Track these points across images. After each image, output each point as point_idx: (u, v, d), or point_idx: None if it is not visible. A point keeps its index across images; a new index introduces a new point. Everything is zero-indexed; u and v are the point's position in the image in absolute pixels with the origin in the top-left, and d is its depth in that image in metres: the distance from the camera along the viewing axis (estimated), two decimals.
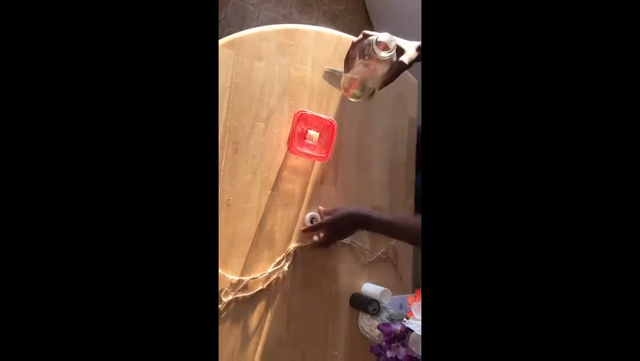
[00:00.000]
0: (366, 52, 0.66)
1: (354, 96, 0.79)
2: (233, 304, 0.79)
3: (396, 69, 0.69)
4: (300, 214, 0.86)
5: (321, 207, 0.86)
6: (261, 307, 0.81)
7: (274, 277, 0.82)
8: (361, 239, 0.90)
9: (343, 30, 0.99)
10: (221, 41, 0.85)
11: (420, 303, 0.67)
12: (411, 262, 0.95)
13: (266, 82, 0.87)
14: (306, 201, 0.87)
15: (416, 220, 0.72)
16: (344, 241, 0.88)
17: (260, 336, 0.80)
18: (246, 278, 0.80)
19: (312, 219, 0.85)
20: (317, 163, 0.88)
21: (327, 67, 0.92)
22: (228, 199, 0.81)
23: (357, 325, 0.86)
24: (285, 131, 0.87)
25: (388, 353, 0.68)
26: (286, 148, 0.86)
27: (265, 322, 0.81)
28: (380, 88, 0.72)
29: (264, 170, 0.85)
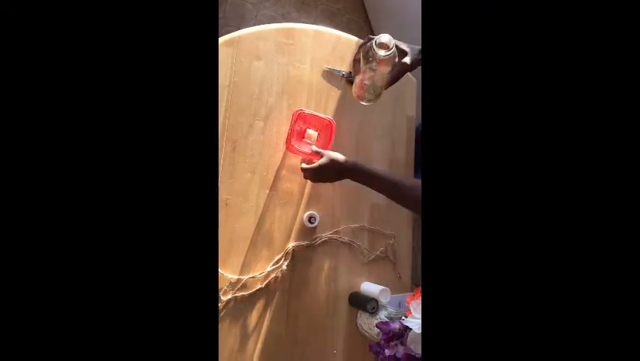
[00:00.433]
0: (370, 54, 0.69)
1: (367, 100, 0.80)
2: (232, 303, 0.79)
3: (399, 70, 0.73)
4: (299, 213, 0.86)
5: (313, 148, 0.81)
6: (259, 306, 0.81)
7: (273, 275, 0.82)
8: (360, 238, 0.90)
9: (342, 29, 0.99)
10: (219, 40, 0.85)
11: (418, 302, 0.67)
12: (410, 261, 0.95)
13: (264, 81, 0.87)
14: (304, 200, 0.87)
15: (412, 182, 0.70)
16: (343, 240, 0.88)
17: (259, 335, 0.80)
18: (245, 277, 0.80)
19: (310, 218, 0.85)
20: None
21: (326, 66, 0.92)
22: (227, 198, 0.81)
23: (356, 323, 0.87)
24: (284, 130, 0.87)
25: (387, 352, 0.68)
26: (284, 147, 0.86)
27: (264, 320, 0.81)
28: (386, 88, 0.76)
29: (262, 169, 0.85)
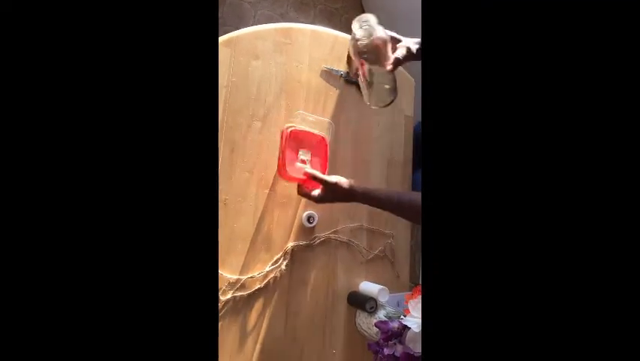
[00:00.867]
0: (354, 40, 0.66)
1: (382, 100, 0.72)
2: (231, 303, 0.79)
3: (402, 53, 0.69)
4: (298, 213, 0.87)
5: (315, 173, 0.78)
6: (259, 305, 0.81)
7: (272, 275, 0.82)
8: (359, 238, 0.90)
9: (340, 29, 0.99)
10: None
11: (417, 301, 0.67)
12: (408, 260, 0.95)
13: (263, 81, 0.87)
14: (303, 200, 0.87)
15: (410, 196, 0.70)
16: (342, 240, 0.88)
17: (258, 335, 0.80)
18: (244, 277, 0.80)
19: (309, 217, 0.85)
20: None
21: (324, 65, 0.93)
22: (225, 198, 0.81)
23: (355, 323, 0.87)
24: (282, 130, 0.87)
25: (386, 351, 0.68)
26: (277, 173, 0.81)
27: (263, 320, 0.81)
28: (393, 69, 0.69)
29: (260, 169, 0.85)
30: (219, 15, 1.58)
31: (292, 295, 0.84)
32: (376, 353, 0.72)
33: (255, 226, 0.83)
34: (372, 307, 0.80)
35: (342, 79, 0.94)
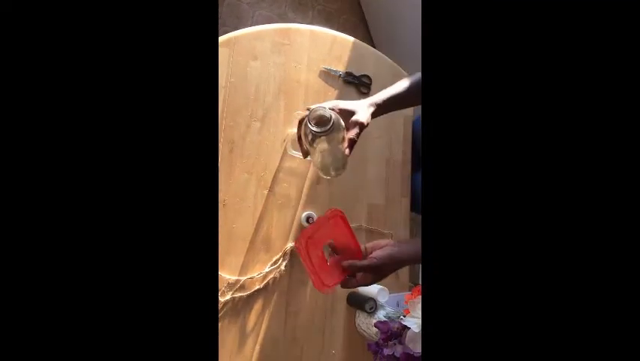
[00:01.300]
0: (308, 132, 0.59)
1: (334, 174, 0.71)
2: (230, 304, 0.79)
3: (355, 132, 0.64)
4: (297, 213, 0.86)
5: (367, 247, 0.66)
6: (258, 306, 0.81)
7: (271, 276, 0.82)
8: (358, 238, 0.90)
9: (338, 29, 0.99)
10: None
11: (416, 301, 0.67)
12: None
13: (261, 81, 0.87)
14: (302, 201, 0.87)
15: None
16: None
17: (257, 335, 0.80)
18: (243, 278, 0.80)
19: (308, 218, 0.85)
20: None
21: (323, 66, 0.93)
22: (224, 199, 0.81)
23: (355, 323, 0.87)
24: (281, 130, 0.87)
25: (385, 351, 0.68)
26: (316, 287, 0.63)
27: (263, 321, 0.81)
28: (349, 153, 0.65)
29: (259, 170, 0.85)
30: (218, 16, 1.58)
31: (292, 296, 0.84)
32: (376, 353, 0.72)
33: (254, 226, 0.83)
34: (371, 308, 0.80)
35: (340, 79, 0.94)
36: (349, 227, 0.64)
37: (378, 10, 1.69)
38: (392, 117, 0.98)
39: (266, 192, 0.85)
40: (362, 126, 0.65)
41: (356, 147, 0.92)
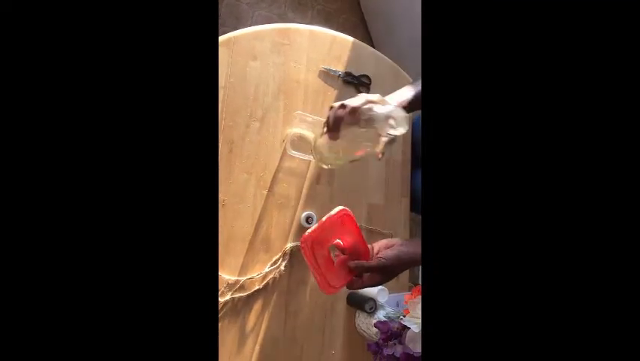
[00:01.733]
0: (369, 121, 0.59)
1: (333, 164, 0.71)
2: (230, 304, 0.79)
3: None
4: (296, 214, 0.86)
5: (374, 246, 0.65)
6: (257, 306, 0.81)
7: (271, 276, 0.82)
8: None
9: (337, 29, 0.99)
10: None
11: (416, 301, 0.67)
12: None
13: (261, 81, 0.87)
14: (302, 201, 0.87)
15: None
16: None
17: (257, 336, 0.80)
18: (243, 278, 0.80)
19: (307, 218, 0.85)
20: (313, 163, 0.88)
21: (322, 66, 0.92)
22: (224, 199, 0.81)
23: (354, 323, 0.87)
24: (280, 130, 0.87)
25: (385, 351, 0.68)
26: (321, 290, 0.61)
27: (262, 321, 0.81)
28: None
29: (259, 170, 0.85)
30: None
31: (291, 296, 0.84)
32: (376, 353, 0.72)
33: (254, 226, 0.83)
34: (371, 308, 0.80)
35: (340, 79, 0.94)
36: (357, 226, 0.62)
37: (377, 10, 1.69)
38: None
39: (265, 192, 0.85)
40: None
41: None
